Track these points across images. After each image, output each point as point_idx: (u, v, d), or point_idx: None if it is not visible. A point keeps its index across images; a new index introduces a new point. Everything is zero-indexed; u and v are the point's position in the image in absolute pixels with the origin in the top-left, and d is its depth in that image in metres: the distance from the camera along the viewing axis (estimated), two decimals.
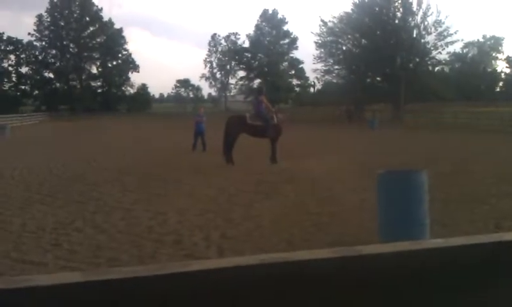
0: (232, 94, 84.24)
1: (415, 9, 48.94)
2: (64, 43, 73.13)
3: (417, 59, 51.01)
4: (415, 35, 49.72)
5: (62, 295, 0.89)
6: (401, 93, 47.24)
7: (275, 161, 14.26)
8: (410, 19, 49.48)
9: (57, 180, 11.73)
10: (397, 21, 50.13)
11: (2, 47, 70.43)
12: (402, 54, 49.57)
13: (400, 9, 49.84)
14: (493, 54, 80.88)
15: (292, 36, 76.75)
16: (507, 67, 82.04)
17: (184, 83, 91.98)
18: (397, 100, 47.50)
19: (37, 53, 73.23)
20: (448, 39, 48.86)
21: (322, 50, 56.06)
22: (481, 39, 78.78)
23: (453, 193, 9.34)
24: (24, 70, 72.80)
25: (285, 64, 77.57)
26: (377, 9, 49.70)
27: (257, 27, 77.45)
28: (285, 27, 77.11)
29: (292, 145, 17.57)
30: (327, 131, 31.02)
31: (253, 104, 16.06)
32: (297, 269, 1.02)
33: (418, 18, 49.07)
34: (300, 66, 76.54)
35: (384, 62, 48.71)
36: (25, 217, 7.86)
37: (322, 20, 54.95)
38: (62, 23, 72.79)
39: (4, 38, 70.18)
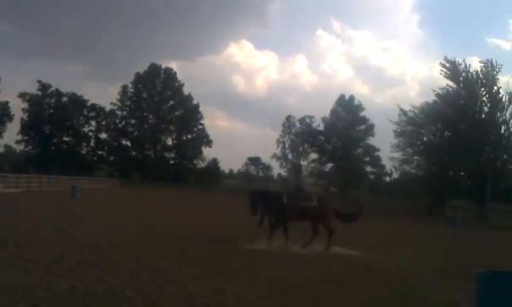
0: (302, 176, 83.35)
1: (504, 104, 46.55)
2: (144, 114, 76.17)
3: (505, 156, 48.16)
4: (503, 131, 47.13)
5: None
6: (487, 190, 44.18)
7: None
8: (498, 114, 47.04)
9: (116, 245, 11.18)
10: (483, 115, 47.79)
11: (85, 113, 74.00)
12: (488, 149, 46.93)
13: (488, 104, 47.59)
14: None
15: (368, 123, 75.25)
16: None
17: (255, 161, 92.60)
18: (481, 198, 44.41)
19: (117, 121, 76.06)
20: None
21: (401, 138, 54.50)
22: None
23: None
24: (102, 136, 75.84)
25: (360, 150, 75.77)
26: (462, 102, 47.88)
27: (333, 111, 77.01)
28: (362, 113, 76.07)
29: (367, 234, 16.18)
30: (404, 223, 29.06)
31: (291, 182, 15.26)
32: None
33: (507, 114, 46.65)
34: (376, 153, 74.27)
35: (469, 157, 45.96)
36: (74, 280, 7.29)
37: (401, 109, 53.65)
38: (144, 95, 76.13)
39: (88, 104, 73.91)
